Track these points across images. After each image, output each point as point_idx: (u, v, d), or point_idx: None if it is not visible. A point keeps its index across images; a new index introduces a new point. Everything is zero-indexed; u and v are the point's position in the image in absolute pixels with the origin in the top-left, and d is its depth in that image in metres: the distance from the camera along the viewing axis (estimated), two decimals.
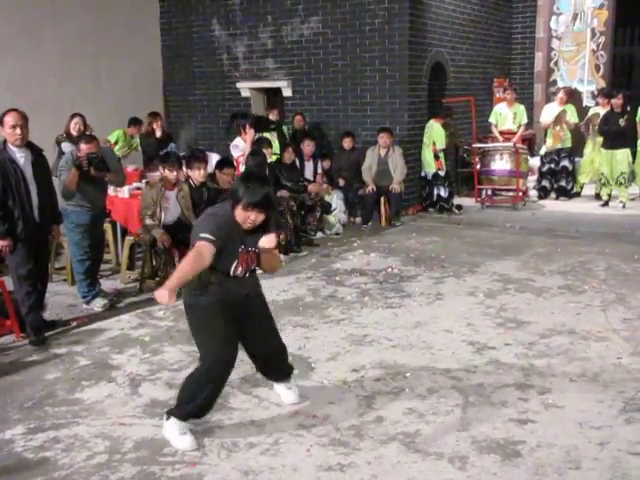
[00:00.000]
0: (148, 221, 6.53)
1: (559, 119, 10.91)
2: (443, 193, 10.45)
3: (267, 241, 3.71)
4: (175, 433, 3.79)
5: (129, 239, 7.09)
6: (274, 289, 6.77)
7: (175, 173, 6.67)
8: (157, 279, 6.53)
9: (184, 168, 7.05)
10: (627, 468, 3.46)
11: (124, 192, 7.43)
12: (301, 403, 4.25)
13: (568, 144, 11.12)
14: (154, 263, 6.57)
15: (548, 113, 11.20)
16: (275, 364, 4.21)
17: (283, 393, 4.30)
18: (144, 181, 7.68)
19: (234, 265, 3.74)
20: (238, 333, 3.87)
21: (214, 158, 8.24)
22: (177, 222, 6.76)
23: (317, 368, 4.79)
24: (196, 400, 3.75)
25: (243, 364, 4.82)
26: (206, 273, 3.66)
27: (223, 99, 11.99)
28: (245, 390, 4.46)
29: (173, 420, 3.80)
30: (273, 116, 9.91)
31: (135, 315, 6.06)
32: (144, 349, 5.24)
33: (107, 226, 7.40)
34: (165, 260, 6.45)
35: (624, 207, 10.30)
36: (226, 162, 7.67)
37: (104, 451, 3.75)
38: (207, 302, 3.77)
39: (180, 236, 6.61)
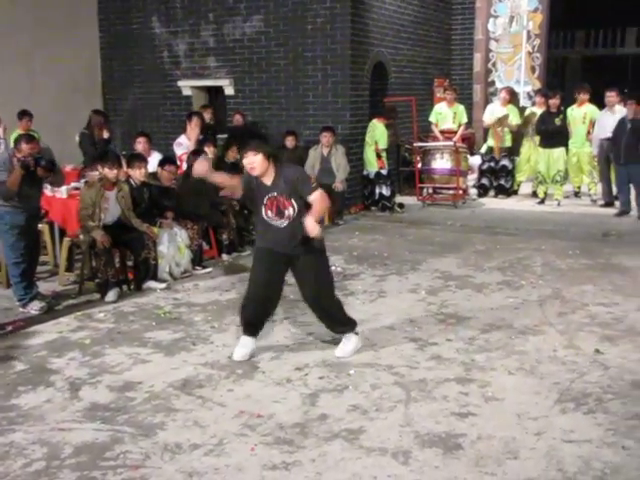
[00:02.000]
0: (87, 222, 6.40)
1: (501, 121, 11.13)
2: (385, 192, 10.54)
3: (311, 225, 4.45)
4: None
5: (67, 240, 6.93)
6: (217, 289, 6.73)
7: (115, 172, 6.56)
8: (97, 281, 6.41)
9: (124, 167, 6.93)
10: (561, 456, 3.56)
11: (62, 192, 7.27)
12: (245, 402, 4.23)
13: (508, 143, 11.38)
14: (94, 264, 6.45)
15: (489, 113, 11.43)
16: (318, 317, 4.95)
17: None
18: (82, 181, 7.52)
19: (263, 210, 4.58)
20: (294, 278, 4.82)
21: (155, 157, 8.15)
22: (117, 222, 6.66)
23: (261, 367, 4.77)
24: (241, 315, 4.93)
25: (186, 365, 4.80)
26: (255, 222, 4.82)
27: (164, 98, 11.83)
28: (188, 391, 4.41)
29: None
30: (207, 116, 9.79)
31: (74, 318, 5.92)
32: (84, 352, 5.12)
33: (44, 227, 7.23)
34: (105, 261, 6.33)
35: (559, 205, 10.59)
36: (169, 160, 7.63)
37: (42, 458, 3.65)
38: (257, 246, 4.88)
39: (120, 236, 6.53)
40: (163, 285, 6.76)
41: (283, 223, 4.60)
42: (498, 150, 11.29)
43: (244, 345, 4.92)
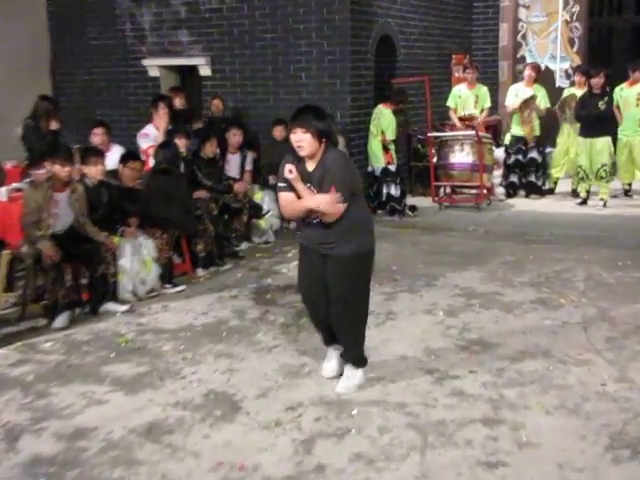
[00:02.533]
0: (32, 230, 6.35)
1: (528, 104, 11.12)
2: (394, 192, 10.52)
3: (312, 201, 4.65)
4: None
5: (7, 253, 6.85)
6: (191, 312, 6.70)
7: (67, 169, 6.52)
8: (43, 302, 6.35)
9: (77, 164, 6.90)
10: None
11: (1, 194, 7.24)
12: (225, 451, 4.17)
13: (536, 132, 11.36)
14: (39, 283, 6.39)
15: (513, 95, 11.43)
16: (336, 332, 5.01)
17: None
18: (27, 181, 7.48)
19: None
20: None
21: (116, 152, 8.11)
22: (69, 231, 6.61)
23: (244, 407, 4.72)
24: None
25: (152, 406, 4.75)
26: None
27: (127, 79, 11.84)
28: (154, 438, 4.35)
29: None
30: (179, 102, 9.76)
31: (14, 349, 5.87)
32: (25, 392, 5.07)
33: None
34: (54, 279, 6.28)
35: (605, 205, 10.58)
36: (132, 155, 7.61)
37: None
38: (300, 242, 5.10)
39: (73, 248, 6.48)
40: (125, 307, 6.71)
41: (315, 219, 4.75)
42: (531, 138, 11.28)
43: (329, 358, 5.19)
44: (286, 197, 4.79)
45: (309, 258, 4.97)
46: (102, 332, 6.20)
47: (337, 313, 4.88)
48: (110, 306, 6.68)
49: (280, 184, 4.82)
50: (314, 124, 4.64)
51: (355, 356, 5.01)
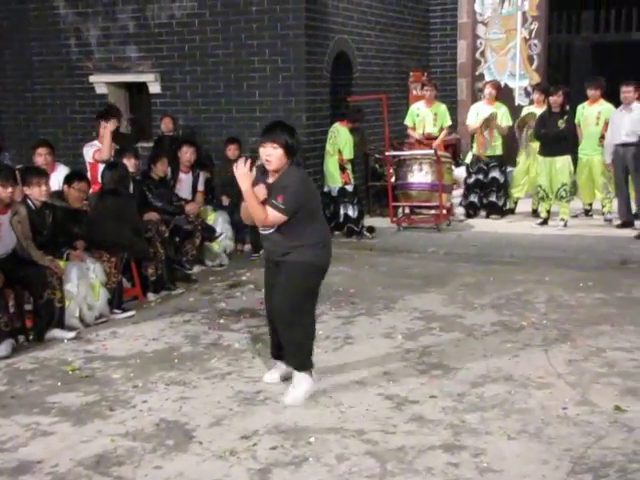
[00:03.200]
0: None
1: (488, 123, 11.27)
2: (351, 213, 10.57)
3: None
4: None
5: None
6: (141, 337, 6.67)
7: (10, 190, 6.47)
8: None
9: (19, 185, 6.85)
10: None
11: None
12: None
13: (498, 152, 11.50)
14: None
15: (474, 114, 11.58)
16: (280, 339, 5.29)
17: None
18: None
19: None
20: None
21: (61, 172, 8.07)
22: (11, 255, 6.55)
23: (197, 436, 4.71)
24: None
25: (101, 437, 4.72)
26: None
27: (72, 96, 11.76)
28: (103, 470, 4.32)
29: None
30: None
31: None
32: None
33: None
34: None
35: (565, 225, 10.74)
36: (77, 175, 7.57)
37: None
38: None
39: (16, 273, 6.42)
40: (72, 334, 6.66)
41: (267, 229, 5.13)
42: (482, 157, 11.37)
43: (272, 370, 5.59)
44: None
45: (267, 270, 5.38)
46: (48, 360, 6.14)
47: (279, 318, 5.20)
48: (56, 333, 6.61)
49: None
50: (285, 140, 4.98)
51: (299, 361, 5.27)
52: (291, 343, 5.24)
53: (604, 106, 10.87)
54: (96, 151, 8.43)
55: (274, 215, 5.00)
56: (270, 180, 5.11)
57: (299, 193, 5.04)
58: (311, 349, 5.33)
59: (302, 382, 5.23)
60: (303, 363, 5.27)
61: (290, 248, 5.11)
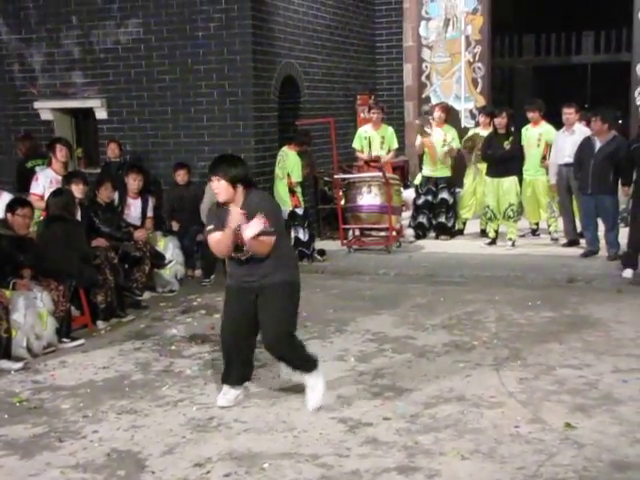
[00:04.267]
0: None
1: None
2: (302, 236, 10.56)
3: (249, 230, 5.00)
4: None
5: None
6: (91, 366, 6.59)
7: None
8: None
9: None
10: None
11: None
12: None
13: (447, 173, 11.63)
14: None
15: (418, 139, 11.70)
16: (280, 360, 5.57)
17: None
18: None
19: None
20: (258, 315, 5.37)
21: (5, 198, 7.96)
22: None
23: (150, 465, 4.66)
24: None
25: (50, 469, 4.63)
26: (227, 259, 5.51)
27: (16, 123, 11.61)
28: None
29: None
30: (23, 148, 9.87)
31: None
32: None
33: None
34: None
35: (513, 245, 10.88)
36: (19, 202, 7.45)
37: None
38: (228, 285, 5.54)
39: None
40: (19, 365, 6.55)
41: (244, 255, 5.25)
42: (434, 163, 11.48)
43: (225, 392, 5.64)
44: (215, 236, 5.24)
45: (238, 300, 5.41)
46: None
47: (273, 346, 5.37)
48: (3, 364, 6.50)
49: (209, 227, 5.31)
50: (226, 171, 5.16)
51: (307, 366, 5.45)
52: (295, 359, 5.46)
53: (545, 128, 11.04)
54: (35, 194, 8.60)
55: (270, 240, 5.15)
56: (233, 210, 5.19)
57: (276, 210, 5.46)
58: (307, 350, 5.56)
59: (317, 383, 5.44)
60: (311, 364, 5.47)
61: (272, 268, 5.25)
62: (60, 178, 8.65)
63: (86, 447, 4.96)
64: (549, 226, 11.30)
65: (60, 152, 8.90)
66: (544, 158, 10.97)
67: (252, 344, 5.61)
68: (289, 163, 10.41)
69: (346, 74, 13.21)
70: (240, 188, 5.21)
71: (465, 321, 7.55)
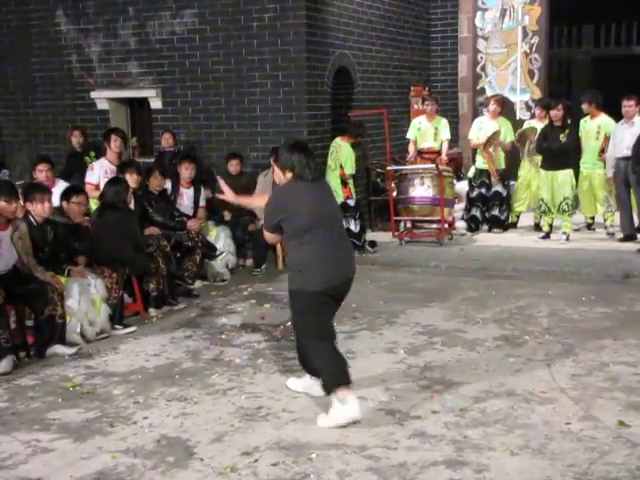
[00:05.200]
0: None
1: (491, 140, 11.27)
2: (353, 227, 10.55)
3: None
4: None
5: None
6: (142, 353, 6.66)
7: (13, 206, 6.50)
8: None
9: (21, 201, 6.87)
10: None
11: None
12: None
13: (501, 165, 11.54)
14: None
15: (477, 129, 11.60)
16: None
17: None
18: None
19: None
20: None
21: (61, 187, 8.08)
22: (12, 271, 6.54)
23: (198, 453, 4.70)
24: None
25: (101, 453, 4.69)
26: None
27: (73, 112, 11.80)
28: None
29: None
30: (75, 141, 9.96)
31: None
32: None
33: None
34: None
35: (568, 239, 10.74)
36: (74, 189, 7.58)
37: None
38: None
39: (17, 289, 6.42)
40: (72, 350, 6.65)
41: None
42: (494, 173, 11.40)
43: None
44: None
45: None
46: (48, 377, 6.12)
47: (302, 351, 5.43)
48: (57, 349, 6.60)
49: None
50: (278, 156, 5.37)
51: (323, 385, 5.28)
52: (315, 371, 5.37)
53: (604, 120, 10.88)
54: (89, 183, 8.72)
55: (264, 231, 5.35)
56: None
57: (269, 206, 5.28)
58: (333, 373, 5.14)
59: (333, 407, 5.06)
60: (325, 387, 5.20)
61: (289, 274, 5.39)
62: (114, 168, 8.78)
63: (136, 433, 5.02)
64: (605, 220, 11.13)
65: (114, 142, 9.03)
66: (602, 151, 10.81)
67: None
68: (342, 154, 10.39)
69: (400, 65, 13.14)
70: (289, 175, 5.22)
71: (517, 315, 7.47)
